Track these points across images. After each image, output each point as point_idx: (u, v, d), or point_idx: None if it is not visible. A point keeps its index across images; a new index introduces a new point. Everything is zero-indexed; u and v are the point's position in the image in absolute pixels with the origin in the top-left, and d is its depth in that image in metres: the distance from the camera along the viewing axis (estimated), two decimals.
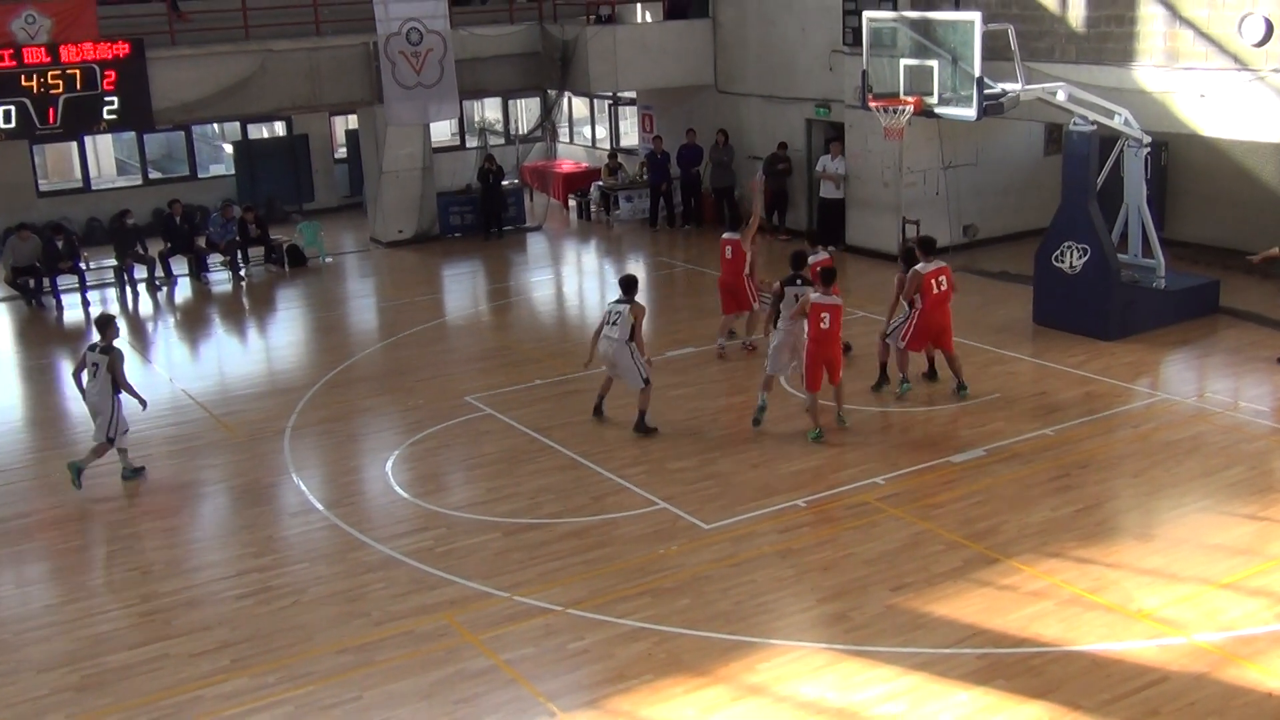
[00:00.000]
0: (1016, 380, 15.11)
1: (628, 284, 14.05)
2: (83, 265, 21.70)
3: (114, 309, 21.29)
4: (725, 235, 16.83)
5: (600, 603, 10.12)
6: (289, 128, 28.57)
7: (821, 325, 13.30)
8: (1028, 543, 10.83)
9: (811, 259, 14.85)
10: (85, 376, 13.12)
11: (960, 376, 14.52)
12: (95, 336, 13.33)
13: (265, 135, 29.06)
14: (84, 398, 13.25)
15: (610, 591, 10.30)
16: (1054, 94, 16.01)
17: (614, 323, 13.76)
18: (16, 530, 12.26)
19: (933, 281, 14.19)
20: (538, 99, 29.78)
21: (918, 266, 14.26)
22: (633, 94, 27.93)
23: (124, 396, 13.13)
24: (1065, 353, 15.85)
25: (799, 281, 14.18)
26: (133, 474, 13.35)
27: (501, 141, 30.10)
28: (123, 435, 13.20)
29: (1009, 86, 15.78)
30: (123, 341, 14.18)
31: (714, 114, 24.94)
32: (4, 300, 21.66)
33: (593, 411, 14.33)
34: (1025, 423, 13.64)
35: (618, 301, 13.93)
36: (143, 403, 13.43)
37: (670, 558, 10.88)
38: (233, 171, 28.14)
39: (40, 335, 19.88)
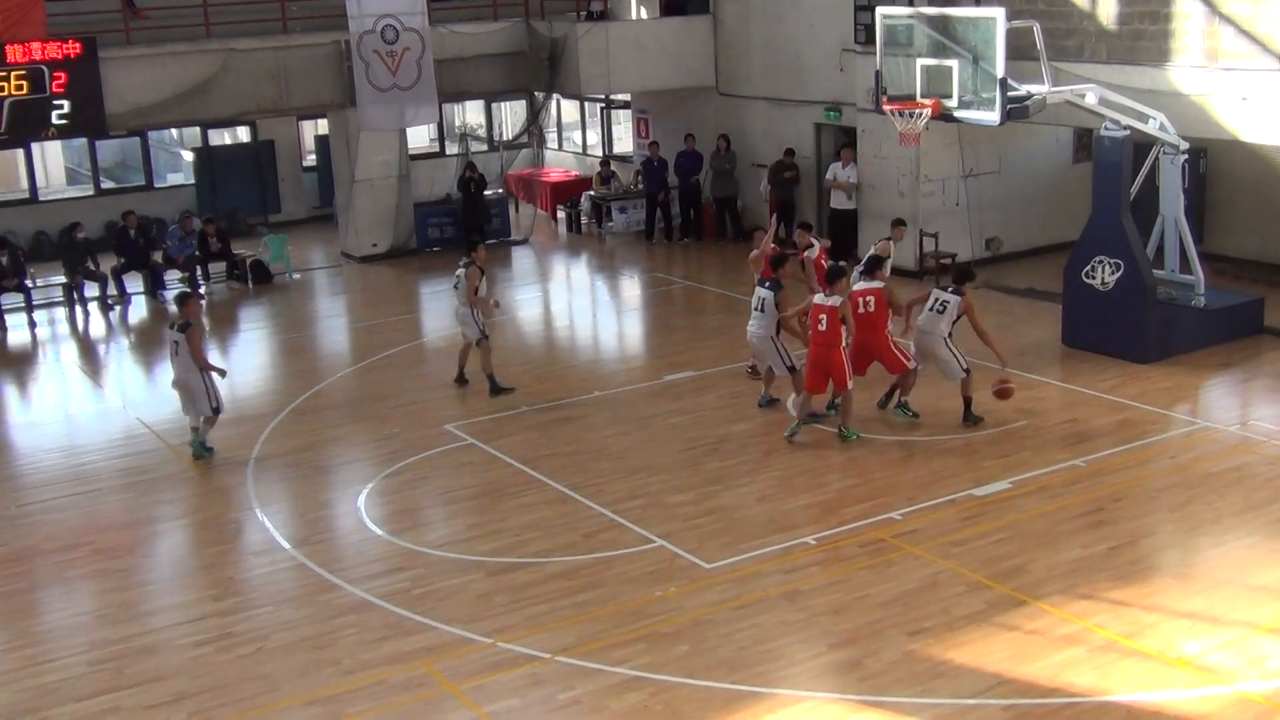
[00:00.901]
0: (1044, 406, 15.14)
1: (471, 244, 16.61)
2: (29, 283, 21.73)
3: (63, 330, 21.32)
4: None
5: (592, 649, 10.09)
6: (253, 133, 28.65)
7: (819, 327, 13.69)
8: (1057, 583, 10.82)
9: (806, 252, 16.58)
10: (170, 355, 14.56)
11: (904, 396, 14.74)
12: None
13: (228, 141, 29.15)
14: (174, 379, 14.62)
15: (603, 637, 10.28)
16: (1083, 96, 16.09)
17: (455, 287, 16.33)
18: None
19: (859, 300, 14.31)
20: (523, 102, 29.87)
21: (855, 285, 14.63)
22: (627, 96, 28.05)
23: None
24: (1097, 377, 15.88)
25: (767, 284, 14.78)
26: (205, 451, 14.54)
27: (484, 148, 30.19)
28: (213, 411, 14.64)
29: (1035, 88, 15.85)
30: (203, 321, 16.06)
31: (715, 118, 25.04)
32: None
33: (455, 380, 16.70)
34: (1054, 453, 13.66)
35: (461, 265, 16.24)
36: (221, 373, 14.83)
37: (668, 600, 10.86)
38: (192, 181, 28.20)
39: None
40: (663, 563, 11.56)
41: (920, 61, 16.55)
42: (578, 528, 12.40)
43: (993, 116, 15.86)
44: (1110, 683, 9.33)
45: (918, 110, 16.50)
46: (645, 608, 10.74)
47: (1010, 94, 15.60)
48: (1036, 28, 15.82)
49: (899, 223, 17.08)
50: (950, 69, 16.10)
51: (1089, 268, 16.66)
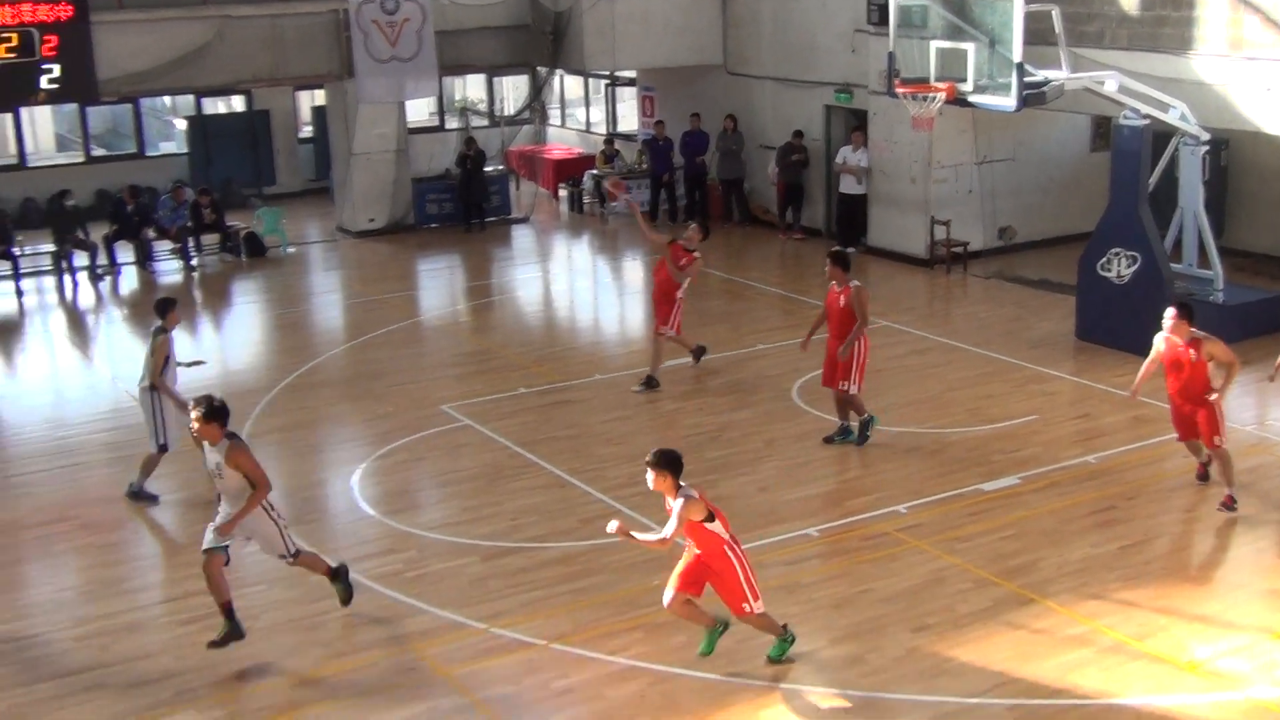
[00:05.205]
0: (1055, 401, 15.13)
1: (161, 307, 13.06)
2: (16, 250, 21.67)
3: (51, 299, 21.29)
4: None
5: (588, 637, 10.09)
6: (249, 103, 28.61)
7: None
8: (1066, 582, 10.82)
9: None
10: None
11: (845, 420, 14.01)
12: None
13: (222, 111, 29.08)
14: None
15: (599, 625, 10.28)
16: (1102, 84, 16.06)
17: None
18: None
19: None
20: (526, 77, 29.84)
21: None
22: (632, 73, 27.98)
23: None
24: (1110, 371, 15.87)
25: None
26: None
27: (485, 123, 30.16)
28: None
29: (1053, 74, 15.82)
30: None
31: (722, 97, 24.98)
32: None
33: None
34: (1064, 449, 13.66)
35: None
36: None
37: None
38: (185, 150, 28.21)
39: None
40: (661, 551, 11.53)
41: (935, 44, 16.52)
42: (575, 513, 12.40)
43: (1009, 102, 15.84)
44: (1118, 685, 9.33)
45: (931, 94, 16.47)
46: (642, 596, 10.73)
47: (1027, 79, 15.58)
48: (1056, 12, 15.79)
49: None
50: (966, 52, 16.07)
51: (1105, 260, 16.64)
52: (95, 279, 22.05)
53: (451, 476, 13.47)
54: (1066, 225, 21.65)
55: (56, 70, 20.92)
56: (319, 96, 27.86)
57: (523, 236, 25.07)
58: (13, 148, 27.22)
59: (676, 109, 25.91)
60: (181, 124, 28.88)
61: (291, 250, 23.90)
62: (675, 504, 9.07)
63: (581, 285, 22.47)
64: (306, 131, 29.60)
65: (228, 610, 9.84)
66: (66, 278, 21.98)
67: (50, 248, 22.22)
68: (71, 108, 26.97)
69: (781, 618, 10.28)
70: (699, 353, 16.32)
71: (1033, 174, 21.80)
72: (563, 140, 31.04)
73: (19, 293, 21.22)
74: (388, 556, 11.62)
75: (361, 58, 22.73)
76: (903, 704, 9.16)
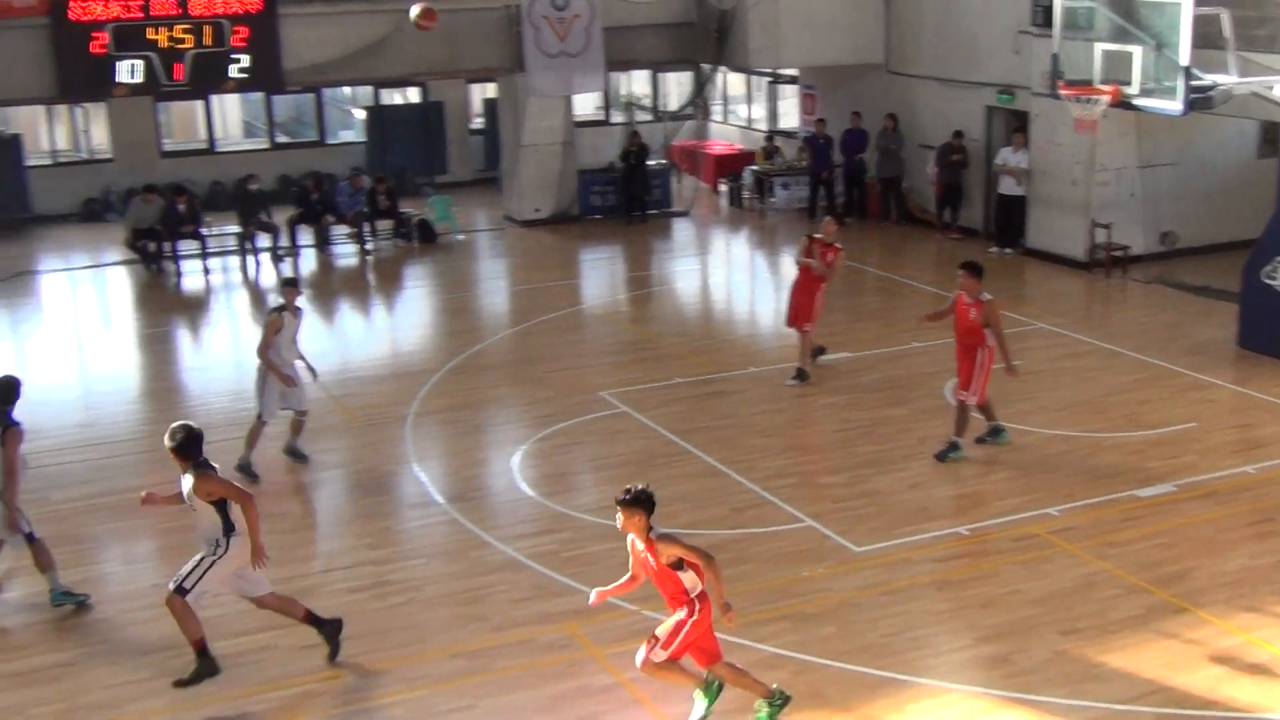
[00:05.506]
0: (1215, 410, 14.67)
1: (281, 286, 13.64)
2: (204, 230, 22.46)
3: (235, 278, 22.02)
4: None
5: (735, 624, 10.07)
6: (424, 94, 29.17)
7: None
8: (1220, 593, 10.49)
9: None
10: None
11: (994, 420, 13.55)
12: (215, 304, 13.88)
13: (399, 102, 29.68)
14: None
15: (746, 613, 10.21)
16: (1272, 89, 15.53)
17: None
18: (125, 505, 12.69)
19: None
20: (690, 73, 29.88)
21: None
22: (794, 71, 27.83)
23: None
24: (1273, 381, 15.32)
25: None
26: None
27: (649, 118, 30.26)
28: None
29: (1220, 79, 15.34)
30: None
31: (883, 96, 24.70)
32: (123, 263, 22.54)
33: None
34: (1223, 458, 13.23)
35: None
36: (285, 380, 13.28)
37: (815, 581, 10.82)
38: (363, 139, 28.87)
39: (158, 302, 20.67)
40: (811, 543, 11.50)
41: (1100, 46, 16.17)
42: (726, 502, 12.41)
43: (1175, 106, 15.42)
44: (1271, 700, 9.02)
45: (1095, 96, 16.12)
46: (791, 587, 10.71)
47: (1194, 83, 15.13)
48: (1225, 15, 15.31)
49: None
50: (1131, 55, 15.69)
51: (1270, 267, 16.06)
52: (277, 260, 22.74)
53: (607, 461, 13.59)
54: (1230, 231, 20.91)
55: (245, 60, 21.63)
56: (490, 89, 28.29)
57: (682, 230, 25.13)
58: (203, 133, 28.23)
59: (837, 107, 25.70)
60: (360, 114, 29.58)
61: (461, 237, 24.33)
62: (661, 548, 8.32)
63: (739, 279, 22.48)
64: (478, 123, 30.09)
65: (316, 620, 9.71)
66: (250, 258, 22.72)
67: (235, 229, 22.99)
68: (258, 96, 27.89)
69: (928, 614, 10.16)
70: (819, 351, 16.18)
71: (1196, 179, 21.11)
72: (724, 136, 31.01)
73: (206, 271, 22.03)
74: (544, 536, 11.77)
75: (532, 52, 23.01)
76: (1049, 706, 8.99)
